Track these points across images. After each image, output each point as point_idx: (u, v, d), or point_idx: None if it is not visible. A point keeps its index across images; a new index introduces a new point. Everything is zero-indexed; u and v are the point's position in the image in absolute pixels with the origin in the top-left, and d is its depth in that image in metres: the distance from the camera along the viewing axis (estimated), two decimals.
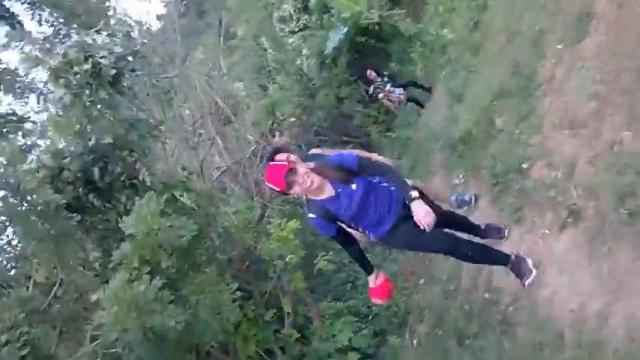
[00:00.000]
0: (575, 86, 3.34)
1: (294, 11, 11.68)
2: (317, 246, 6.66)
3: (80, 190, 4.36)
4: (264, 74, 9.64)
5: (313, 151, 3.78)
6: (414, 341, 4.38)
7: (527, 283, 3.01)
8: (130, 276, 4.33)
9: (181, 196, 4.66)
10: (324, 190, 2.71)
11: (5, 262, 4.83)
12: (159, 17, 16.55)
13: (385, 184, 2.85)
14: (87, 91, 3.80)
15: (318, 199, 2.73)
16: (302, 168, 2.62)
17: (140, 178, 4.39)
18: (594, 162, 3.00)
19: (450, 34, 7.19)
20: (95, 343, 4.76)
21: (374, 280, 2.95)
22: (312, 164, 2.73)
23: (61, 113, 3.96)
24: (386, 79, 8.00)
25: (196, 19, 13.58)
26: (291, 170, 2.57)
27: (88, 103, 3.83)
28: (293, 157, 3.15)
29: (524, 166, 3.62)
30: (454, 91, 6.17)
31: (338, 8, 8.65)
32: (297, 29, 11.71)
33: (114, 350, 4.60)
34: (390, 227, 2.84)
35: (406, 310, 4.89)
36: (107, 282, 5.20)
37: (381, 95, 7.93)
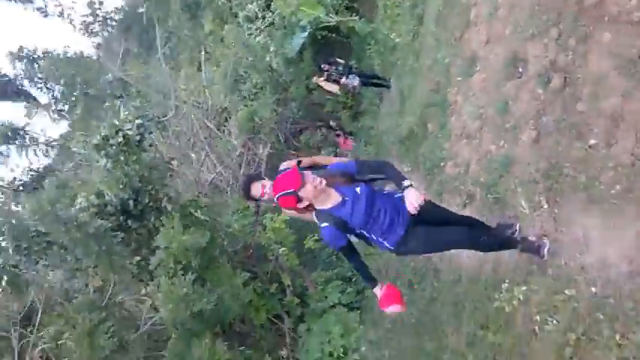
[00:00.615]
0: (468, 109, 5.09)
1: (259, 9, 13.00)
2: (305, 229, 8.44)
3: (120, 217, 6.03)
4: (240, 81, 11.05)
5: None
6: None
7: (544, 253, 3.51)
8: (168, 274, 6.12)
9: (196, 211, 6.35)
10: (331, 197, 2.82)
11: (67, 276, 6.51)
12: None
13: (387, 192, 3.04)
14: (122, 157, 5.43)
15: (326, 207, 2.82)
16: (308, 172, 2.78)
17: (162, 204, 6.09)
18: (479, 163, 4.80)
19: (397, 37, 8.79)
20: (147, 325, 6.59)
21: (380, 291, 2.91)
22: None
23: (106, 175, 5.55)
24: (340, 67, 8.74)
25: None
26: (300, 172, 2.74)
27: (124, 165, 5.46)
28: (268, 183, 3.45)
29: (442, 164, 5.42)
30: (402, 91, 7.88)
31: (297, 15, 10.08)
32: (263, 26, 13.06)
33: (162, 327, 6.45)
34: (403, 233, 2.93)
35: (377, 269, 6.79)
36: (142, 280, 7.01)
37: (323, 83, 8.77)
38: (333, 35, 11.66)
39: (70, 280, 6.73)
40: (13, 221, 5.50)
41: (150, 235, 6.41)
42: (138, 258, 6.45)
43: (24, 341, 7.16)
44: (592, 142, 3.34)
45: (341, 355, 6.17)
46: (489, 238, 3.40)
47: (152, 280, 6.55)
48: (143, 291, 6.25)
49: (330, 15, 10.26)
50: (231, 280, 6.26)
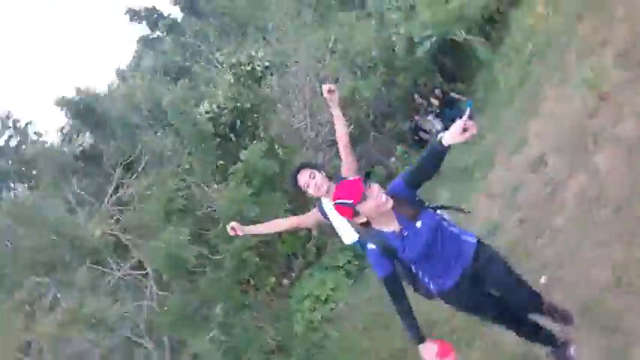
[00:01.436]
0: None
1: None
2: None
3: (227, 130, 8.72)
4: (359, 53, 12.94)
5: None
6: None
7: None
8: (237, 181, 8.74)
9: (278, 148, 8.88)
10: (390, 221, 2.72)
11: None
12: None
13: (454, 230, 2.86)
14: (242, 80, 8.01)
15: (383, 229, 2.73)
16: (376, 185, 2.62)
17: (259, 130, 8.69)
18: None
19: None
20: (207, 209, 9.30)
21: (429, 351, 2.68)
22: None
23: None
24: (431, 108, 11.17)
25: None
26: (366, 183, 2.60)
27: (242, 88, 8.08)
28: (319, 175, 3.42)
29: None
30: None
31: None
32: (402, 6, 14.54)
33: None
34: (452, 284, 2.85)
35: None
36: (214, 180, 9.73)
37: None
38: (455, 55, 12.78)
39: (171, 152, 9.66)
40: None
41: (236, 149, 9.03)
42: (221, 162, 9.17)
43: (122, 181, 10.33)
44: None
45: (323, 300, 8.59)
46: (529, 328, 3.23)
47: (221, 182, 9.25)
48: (214, 187, 8.98)
49: (461, 30, 11.65)
50: (276, 204, 8.82)
